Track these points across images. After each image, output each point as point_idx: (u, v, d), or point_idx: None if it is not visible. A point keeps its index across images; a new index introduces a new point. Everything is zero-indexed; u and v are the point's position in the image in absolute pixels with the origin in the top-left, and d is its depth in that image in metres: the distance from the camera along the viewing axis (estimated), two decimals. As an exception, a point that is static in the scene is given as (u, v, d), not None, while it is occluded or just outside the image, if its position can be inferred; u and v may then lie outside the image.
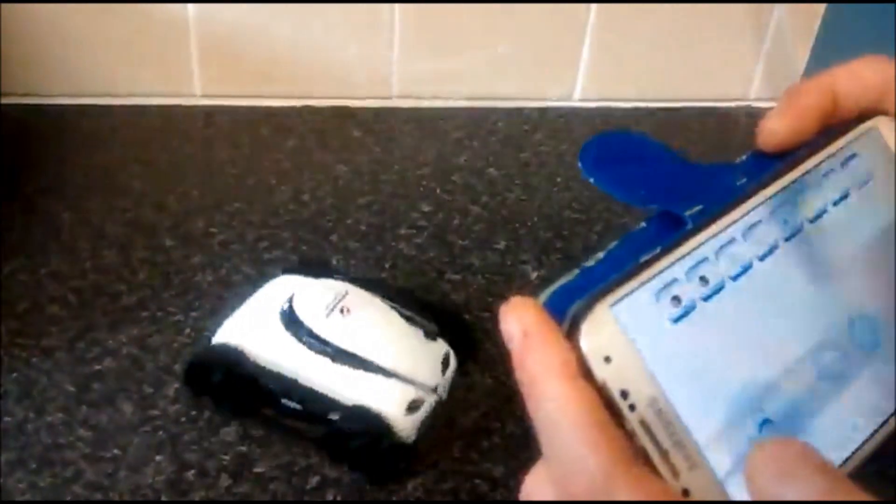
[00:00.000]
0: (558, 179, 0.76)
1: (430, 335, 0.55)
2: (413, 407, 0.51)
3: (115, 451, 0.51)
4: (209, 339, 0.55)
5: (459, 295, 0.64)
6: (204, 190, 0.72)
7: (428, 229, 0.70)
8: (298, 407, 0.52)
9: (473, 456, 0.53)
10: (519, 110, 0.85)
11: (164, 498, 0.49)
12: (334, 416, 0.51)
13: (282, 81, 0.82)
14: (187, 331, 0.59)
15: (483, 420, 0.55)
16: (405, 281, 0.64)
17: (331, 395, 0.51)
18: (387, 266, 0.66)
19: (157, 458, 0.51)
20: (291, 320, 0.52)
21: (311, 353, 0.52)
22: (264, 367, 0.52)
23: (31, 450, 0.51)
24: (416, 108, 0.84)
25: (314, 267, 0.60)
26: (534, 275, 0.66)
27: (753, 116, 0.89)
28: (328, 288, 0.54)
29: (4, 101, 0.78)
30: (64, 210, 0.68)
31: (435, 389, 0.53)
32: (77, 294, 0.61)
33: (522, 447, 0.54)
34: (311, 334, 0.52)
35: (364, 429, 0.50)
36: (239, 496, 0.49)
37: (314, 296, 0.54)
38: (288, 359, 0.52)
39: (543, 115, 0.85)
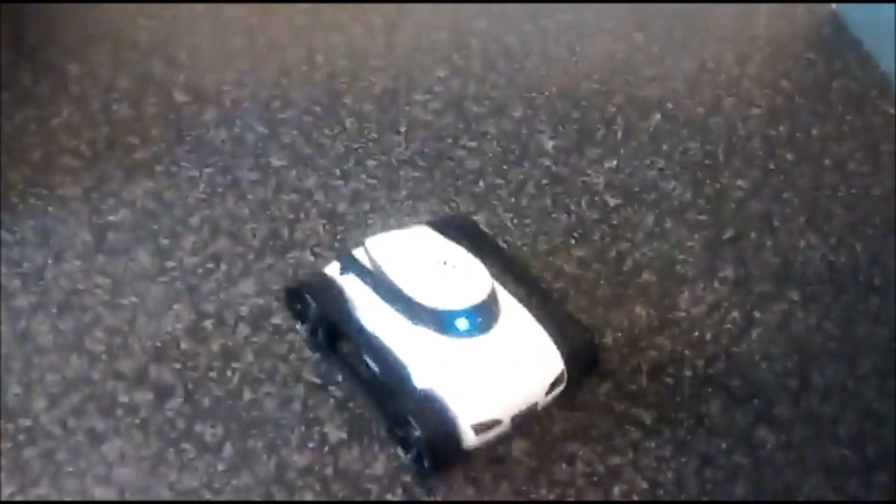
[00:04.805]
0: (577, 49, 0.75)
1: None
2: (486, 428, 0.44)
3: (133, 298, 0.52)
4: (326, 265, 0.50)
5: (475, 161, 0.63)
6: (213, 47, 0.70)
7: (443, 95, 0.69)
8: (376, 370, 0.47)
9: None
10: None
11: (182, 345, 0.50)
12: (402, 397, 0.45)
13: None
14: (202, 186, 0.59)
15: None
16: (421, 146, 0.64)
17: (408, 368, 0.45)
18: (402, 130, 0.65)
19: (176, 306, 0.51)
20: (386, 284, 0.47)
21: (395, 313, 0.46)
22: (352, 316, 0.47)
23: (51, 294, 0.51)
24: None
25: (468, 237, 0.52)
26: (549, 144, 0.66)
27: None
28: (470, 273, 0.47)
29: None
30: (71, 62, 0.67)
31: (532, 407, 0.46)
32: (90, 146, 0.60)
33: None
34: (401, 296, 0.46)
35: (431, 425, 0.43)
36: (257, 345, 0.50)
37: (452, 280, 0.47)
38: (378, 314, 0.47)
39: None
